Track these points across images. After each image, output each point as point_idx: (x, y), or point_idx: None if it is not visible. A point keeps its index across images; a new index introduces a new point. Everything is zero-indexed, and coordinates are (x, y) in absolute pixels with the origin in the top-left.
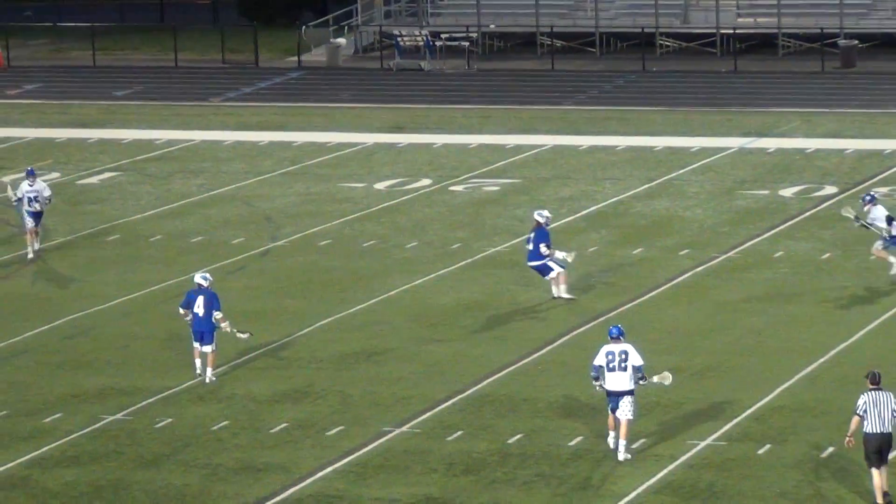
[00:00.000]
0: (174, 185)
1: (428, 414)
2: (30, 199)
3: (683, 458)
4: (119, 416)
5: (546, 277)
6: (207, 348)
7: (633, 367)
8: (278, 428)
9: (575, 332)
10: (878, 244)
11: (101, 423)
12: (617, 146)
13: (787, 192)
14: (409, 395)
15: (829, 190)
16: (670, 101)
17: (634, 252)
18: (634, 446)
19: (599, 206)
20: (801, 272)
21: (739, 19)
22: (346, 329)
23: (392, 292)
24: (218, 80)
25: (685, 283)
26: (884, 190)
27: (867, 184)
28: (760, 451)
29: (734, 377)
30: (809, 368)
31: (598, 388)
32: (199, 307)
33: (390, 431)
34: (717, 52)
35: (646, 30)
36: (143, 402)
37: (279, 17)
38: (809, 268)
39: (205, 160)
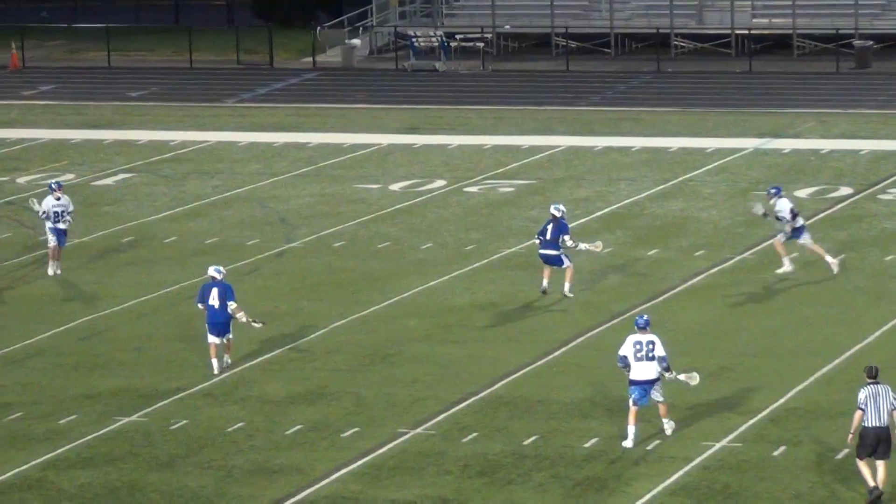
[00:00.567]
0: (189, 187)
1: (443, 415)
2: (57, 215)
3: (698, 459)
4: (134, 417)
5: (560, 266)
6: (227, 337)
7: (658, 357)
8: (293, 429)
9: (590, 334)
10: (780, 237)
11: (116, 424)
12: (632, 147)
13: (802, 192)
14: (423, 396)
15: (845, 191)
16: (685, 101)
17: (649, 253)
18: (649, 448)
19: (614, 207)
20: (816, 273)
21: (754, 20)
22: (361, 330)
23: (406, 293)
24: (233, 81)
25: (700, 284)
26: None
27: (882, 184)
28: (776, 453)
29: (749, 378)
30: (824, 370)
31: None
32: (213, 299)
33: (405, 433)
34: (731, 53)
35: (660, 30)
36: (158, 404)
37: (294, 18)
38: (824, 269)
39: (220, 161)
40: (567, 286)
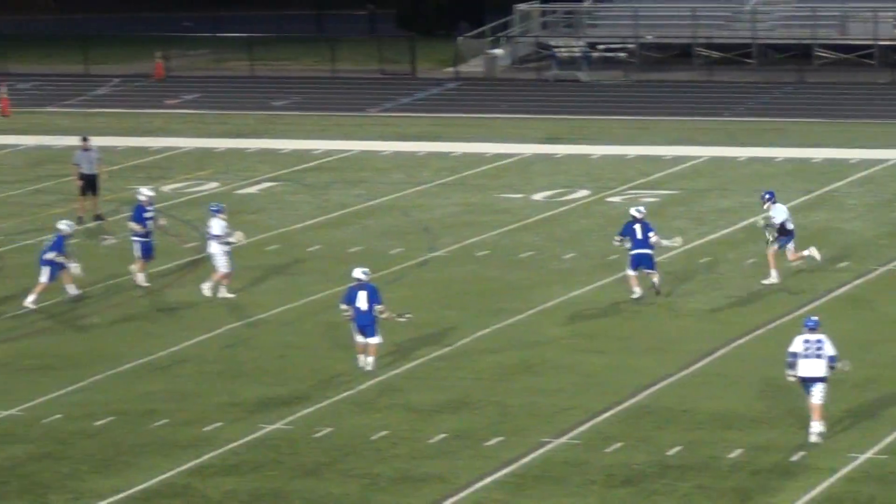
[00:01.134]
0: (332, 196)
1: (587, 425)
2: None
3: (844, 470)
4: (279, 425)
5: (649, 270)
6: (373, 340)
7: (828, 356)
8: (437, 438)
9: (733, 345)
10: (775, 247)
11: (261, 432)
12: (775, 158)
13: None
14: (567, 406)
15: None
16: (829, 112)
17: (793, 264)
18: (793, 459)
19: (758, 217)
20: None
21: None
22: (505, 340)
23: (550, 303)
24: (375, 91)
25: (845, 295)
26: None
27: None
28: None
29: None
30: None
31: (790, 378)
32: (361, 302)
33: (549, 442)
34: (874, 64)
35: (803, 41)
36: (303, 412)
37: (436, 28)
38: None
39: (363, 170)
40: (657, 281)
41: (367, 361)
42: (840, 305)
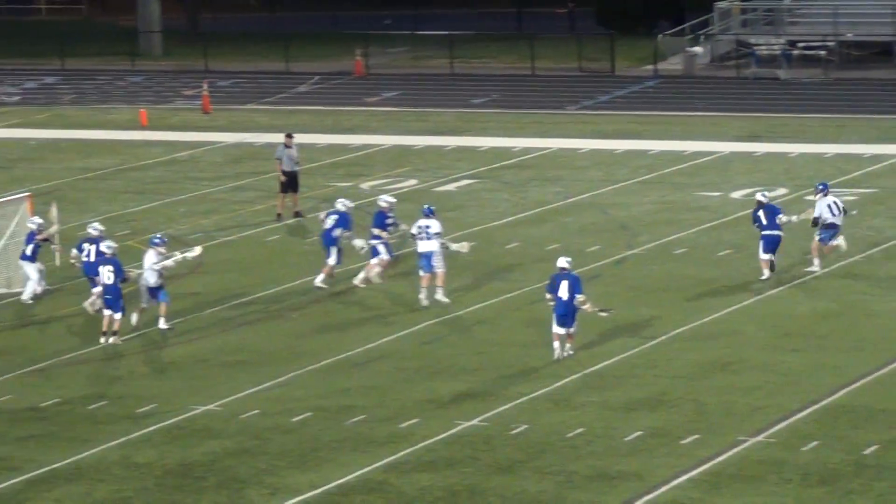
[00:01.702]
0: (530, 193)
1: (783, 424)
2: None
3: None
4: (475, 421)
5: (772, 255)
6: (570, 329)
7: None
8: (633, 436)
9: None
10: (816, 238)
11: (457, 428)
12: None
13: None
14: (763, 404)
15: None
16: None
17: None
18: None
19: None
20: None
21: None
22: (701, 338)
23: (747, 301)
24: (574, 89)
25: None
26: None
27: None
28: None
29: None
30: None
31: None
32: (563, 291)
33: (745, 441)
34: None
35: None
36: (499, 408)
37: (637, 26)
38: None
39: (561, 168)
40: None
41: (565, 348)
42: None
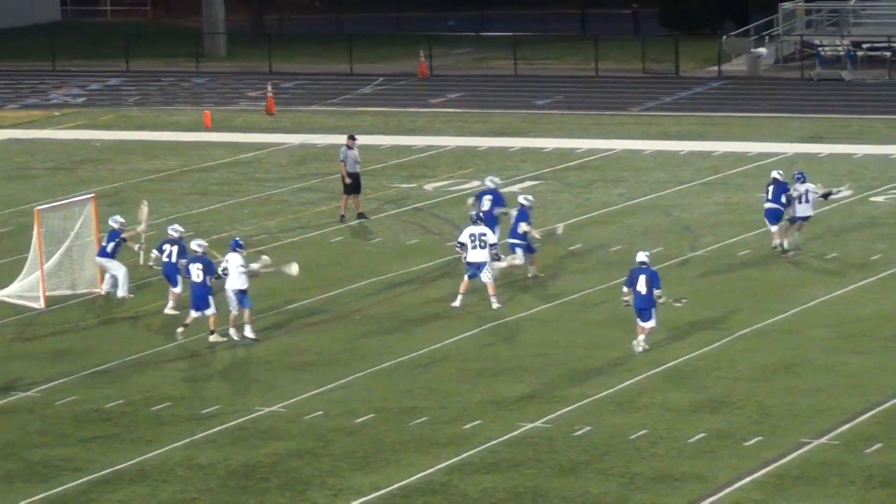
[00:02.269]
0: (594, 194)
1: (846, 426)
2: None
3: None
4: (538, 423)
5: (776, 225)
6: (648, 324)
7: None
8: (696, 438)
9: None
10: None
11: (520, 430)
12: None
13: None
14: (827, 406)
15: None
16: None
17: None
18: None
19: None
20: None
21: None
22: (765, 339)
23: (811, 303)
24: (638, 90)
25: None
26: None
27: None
28: None
29: None
30: None
31: None
32: (641, 285)
33: (808, 443)
34: None
35: None
36: (562, 410)
37: (701, 27)
38: None
39: (625, 169)
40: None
41: (640, 341)
42: None
